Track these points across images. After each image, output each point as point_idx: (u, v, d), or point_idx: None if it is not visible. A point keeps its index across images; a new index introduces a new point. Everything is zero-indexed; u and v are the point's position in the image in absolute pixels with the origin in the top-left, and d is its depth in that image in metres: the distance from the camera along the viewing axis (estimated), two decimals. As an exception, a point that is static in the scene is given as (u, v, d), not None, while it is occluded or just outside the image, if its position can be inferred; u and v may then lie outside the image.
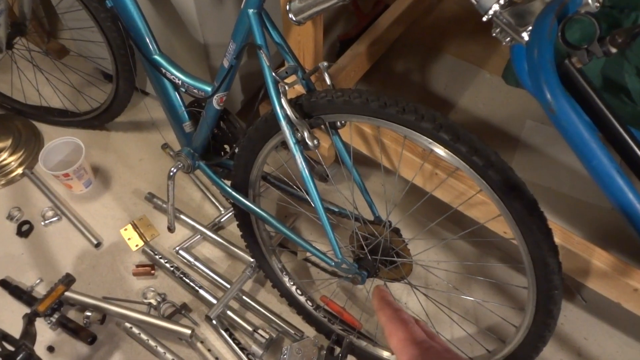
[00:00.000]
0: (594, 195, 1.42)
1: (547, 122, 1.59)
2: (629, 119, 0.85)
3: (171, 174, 1.14)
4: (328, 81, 0.87)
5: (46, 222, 1.40)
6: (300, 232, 1.41)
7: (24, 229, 1.39)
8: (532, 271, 0.77)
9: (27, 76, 1.61)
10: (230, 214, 1.40)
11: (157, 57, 1.04)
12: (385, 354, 1.15)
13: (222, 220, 1.40)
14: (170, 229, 1.27)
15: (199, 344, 1.19)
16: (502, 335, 1.20)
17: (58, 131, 1.61)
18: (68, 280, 1.17)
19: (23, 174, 1.50)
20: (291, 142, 0.83)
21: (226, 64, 0.91)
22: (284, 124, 0.82)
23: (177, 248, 1.34)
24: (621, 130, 0.51)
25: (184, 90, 1.04)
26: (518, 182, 0.71)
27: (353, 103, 0.78)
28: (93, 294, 1.25)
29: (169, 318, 1.22)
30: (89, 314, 1.19)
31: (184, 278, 1.27)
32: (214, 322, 1.18)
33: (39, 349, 1.17)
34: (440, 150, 0.75)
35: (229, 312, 1.22)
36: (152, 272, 1.30)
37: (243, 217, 1.13)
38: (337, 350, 1.15)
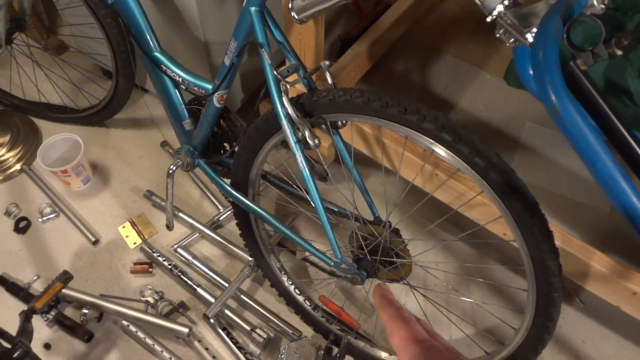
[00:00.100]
0: (593, 197, 1.42)
1: (547, 124, 1.59)
2: (631, 121, 0.85)
3: (170, 171, 1.14)
4: (329, 80, 0.87)
5: (44, 218, 1.39)
6: (299, 231, 1.41)
7: (22, 226, 1.38)
8: (532, 273, 0.77)
9: (26, 72, 1.61)
10: (229, 212, 1.40)
11: (157, 54, 1.03)
12: (383, 354, 1.15)
13: (220, 218, 1.40)
14: (169, 227, 1.27)
15: (196, 343, 1.18)
16: (501, 337, 1.19)
17: (57, 127, 1.60)
18: (65, 278, 1.16)
19: (21, 170, 1.50)
20: (292, 141, 0.82)
21: (227, 61, 0.91)
22: (284, 122, 0.82)
23: (176, 246, 1.33)
24: (625, 133, 0.50)
25: (184, 87, 1.03)
26: (520, 183, 0.71)
27: (355, 102, 0.77)
28: (90, 291, 1.24)
29: (166, 316, 1.22)
30: (86, 311, 1.19)
31: (182, 276, 1.26)
32: (212, 320, 1.18)
33: (36, 346, 1.16)
34: (441, 151, 0.74)
35: (226, 311, 1.22)
36: (150, 270, 1.30)
37: (242, 215, 1.12)
38: (335, 350, 1.14)
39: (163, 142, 1.56)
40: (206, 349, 1.17)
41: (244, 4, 0.82)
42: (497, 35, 0.60)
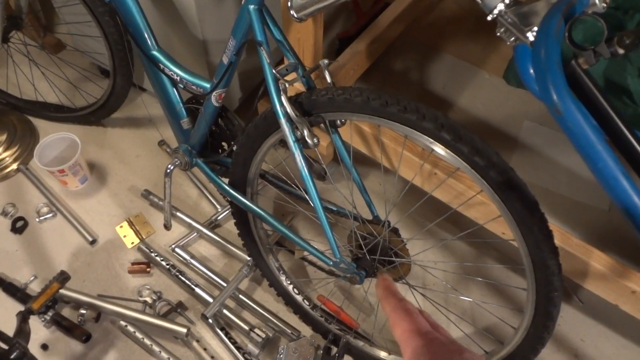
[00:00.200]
0: (591, 196, 1.41)
1: (545, 123, 1.59)
2: (631, 120, 0.85)
3: (168, 171, 1.14)
4: (328, 79, 0.86)
5: (41, 218, 1.39)
6: (297, 230, 1.41)
7: (19, 225, 1.37)
8: (532, 273, 0.77)
9: (22, 70, 1.60)
10: (227, 211, 1.39)
11: (155, 53, 1.03)
12: (382, 354, 1.15)
13: (219, 218, 1.39)
14: (167, 227, 1.27)
15: (194, 343, 1.18)
16: (500, 337, 1.19)
17: (54, 127, 1.59)
18: (63, 278, 1.16)
19: (18, 170, 1.49)
20: (291, 140, 0.82)
21: (225, 60, 0.90)
22: (283, 121, 0.81)
23: (173, 246, 1.32)
24: (627, 132, 0.50)
25: (182, 86, 1.03)
26: (519, 182, 0.71)
27: (354, 101, 0.77)
28: (88, 291, 1.24)
29: (164, 316, 1.21)
30: (83, 311, 1.18)
31: (180, 276, 1.26)
32: (210, 320, 1.17)
33: (33, 347, 1.16)
34: (441, 150, 0.74)
35: (225, 311, 1.21)
36: (148, 269, 1.29)
37: (240, 215, 1.12)
38: (334, 350, 1.14)
39: (161, 141, 1.55)
40: (204, 349, 1.17)
41: (242, 2, 0.81)
42: (498, 34, 0.60)
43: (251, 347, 1.16)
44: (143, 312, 1.20)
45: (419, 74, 1.74)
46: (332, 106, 0.80)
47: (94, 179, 1.48)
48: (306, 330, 1.23)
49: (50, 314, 1.16)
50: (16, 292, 1.23)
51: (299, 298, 1.19)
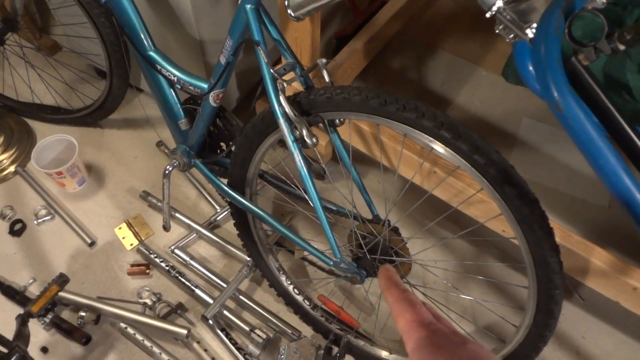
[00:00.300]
0: (590, 193, 1.42)
1: (544, 119, 1.59)
2: (630, 116, 0.84)
3: (167, 172, 1.13)
4: (327, 78, 0.86)
5: (39, 220, 1.38)
6: (296, 230, 1.40)
7: (17, 228, 1.37)
8: (533, 271, 0.77)
9: (19, 72, 1.59)
10: (226, 212, 1.39)
11: (152, 54, 1.02)
12: (384, 353, 1.14)
13: (218, 218, 1.39)
14: (166, 228, 1.26)
15: (195, 344, 1.17)
16: (501, 335, 1.19)
17: (51, 128, 1.58)
18: (62, 280, 1.15)
19: (15, 172, 1.48)
20: (289, 140, 0.82)
21: (223, 60, 0.90)
22: (282, 121, 0.81)
23: (173, 247, 1.32)
24: (627, 128, 0.50)
25: (179, 87, 1.02)
26: (520, 180, 0.70)
27: (352, 100, 0.77)
28: (87, 293, 1.23)
29: (164, 318, 1.21)
30: (83, 314, 1.18)
31: (179, 277, 1.25)
32: (211, 321, 1.17)
33: (33, 350, 1.15)
34: (440, 149, 0.74)
35: (225, 312, 1.21)
36: (147, 271, 1.29)
37: (240, 215, 1.11)
38: (335, 349, 1.14)
39: (159, 142, 1.55)
40: (205, 350, 1.16)
41: (239, 2, 0.81)
42: (497, 31, 0.59)
43: (252, 348, 1.15)
44: (143, 313, 1.20)
45: (417, 72, 1.74)
46: (331, 105, 0.80)
47: (91, 180, 1.48)
48: (307, 331, 1.22)
49: (49, 316, 1.15)
50: (15, 295, 1.22)
51: (299, 298, 1.19)
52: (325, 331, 1.19)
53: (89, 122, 1.57)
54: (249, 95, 1.54)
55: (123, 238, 1.36)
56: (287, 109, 0.80)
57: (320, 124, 0.86)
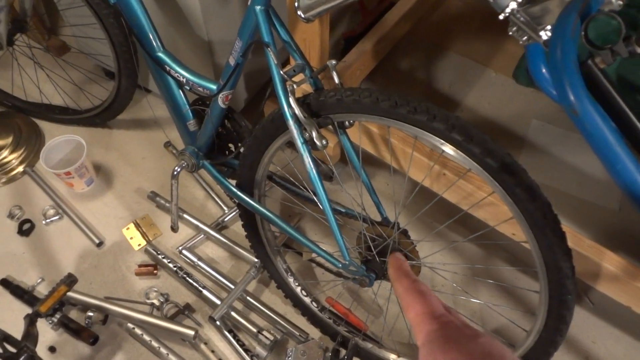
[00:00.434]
0: (601, 196, 1.40)
1: (553, 121, 1.58)
2: (643, 119, 0.83)
3: (175, 173, 1.13)
4: (336, 80, 0.85)
5: (47, 220, 1.39)
6: (304, 232, 1.40)
7: (25, 228, 1.37)
8: (544, 275, 0.76)
9: (27, 73, 1.60)
10: (234, 213, 1.39)
11: (161, 55, 1.02)
12: (392, 356, 1.14)
13: (225, 219, 1.39)
14: (174, 229, 1.26)
15: (202, 345, 1.17)
16: (511, 339, 1.18)
17: (59, 129, 1.59)
18: (70, 281, 1.15)
19: (24, 172, 1.49)
20: (299, 142, 0.81)
21: (232, 61, 0.90)
22: (291, 123, 0.81)
23: (180, 248, 1.32)
24: (645, 133, 0.49)
25: (188, 88, 1.02)
26: (532, 184, 0.70)
27: (363, 102, 0.76)
28: (95, 293, 1.23)
29: (172, 319, 1.21)
30: (91, 314, 1.18)
31: (187, 278, 1.25)
32: (218, 323, 1.17)
33: (41, 349, 1.15)
34: (451, 151, 0.73)
35: (232, 313, 1.21)
36: (155, 272, 1.29)
37: (248, 217, 1.11)
38: (343, 352, 1.13)
39: (167, 142, 1.55)
40: (212, 351, 1.16)
41: (249, 3, 0.81)
42: (510, 33, 0.58)
43: (259, 350, 1.15)
44: (150, 314, 1.20)
45: (425, 73, 1.73)
46: (341, 107, 0.79)
47: (100, 181, 1.48)
48: (314, 333, 1.22)
49: (57, 316, 1.15)
50: (23, 294, 1.23)
51: (307, 300, 1.19)
52: (333, 333, 1.18)
53: (97, 123, 1.58)
54: (256, 96, 1.53)
55: (131, 238, 1.36)
56: (297, 110, 0.79)
57: (330, 126, 0.85)
